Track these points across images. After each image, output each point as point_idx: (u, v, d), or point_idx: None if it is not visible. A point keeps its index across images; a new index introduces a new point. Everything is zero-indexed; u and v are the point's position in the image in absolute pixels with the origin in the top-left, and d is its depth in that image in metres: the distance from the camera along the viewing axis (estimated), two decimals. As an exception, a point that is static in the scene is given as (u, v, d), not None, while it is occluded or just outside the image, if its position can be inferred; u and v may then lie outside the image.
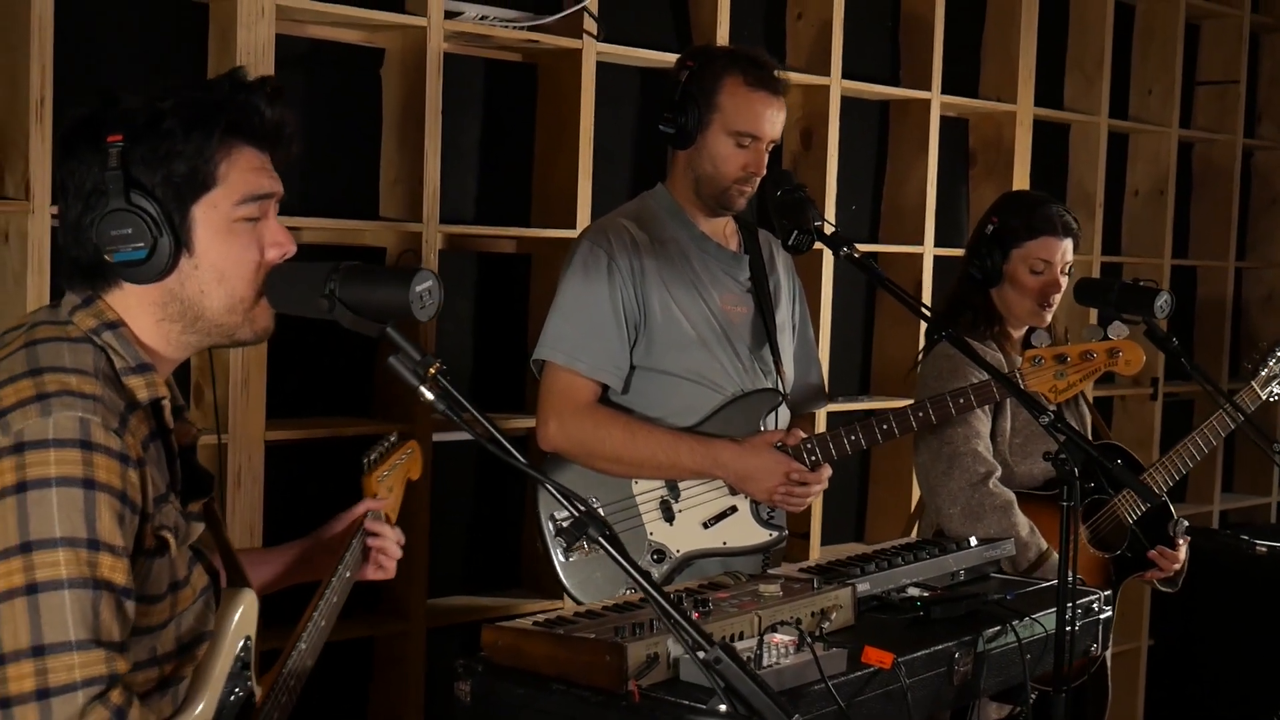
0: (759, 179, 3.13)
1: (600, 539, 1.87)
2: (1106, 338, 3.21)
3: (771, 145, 3.14)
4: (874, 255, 4.87)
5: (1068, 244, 3.60)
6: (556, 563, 3.02)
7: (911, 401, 3.25)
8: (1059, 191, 5.39)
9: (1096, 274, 5.34)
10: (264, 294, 1.98)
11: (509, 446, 1.94)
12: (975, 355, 2.87)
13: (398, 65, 3.71)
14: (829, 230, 2.99)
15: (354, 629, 3.67)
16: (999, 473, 3.41)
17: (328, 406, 3.65)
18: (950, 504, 3.38)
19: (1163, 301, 3.36)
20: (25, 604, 1.74)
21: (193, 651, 2.01)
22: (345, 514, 2.44)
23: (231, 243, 1.94)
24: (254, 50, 3.32)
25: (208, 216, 1.92)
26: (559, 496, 1.92)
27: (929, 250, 4.81)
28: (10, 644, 1.73)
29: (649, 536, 3.09)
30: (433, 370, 1.90)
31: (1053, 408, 2.80)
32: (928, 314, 2.91)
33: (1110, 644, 3.54)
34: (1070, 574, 2.67)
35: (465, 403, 1.92)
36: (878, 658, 2.38)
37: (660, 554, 3.09)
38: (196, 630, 2.02)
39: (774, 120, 3.12)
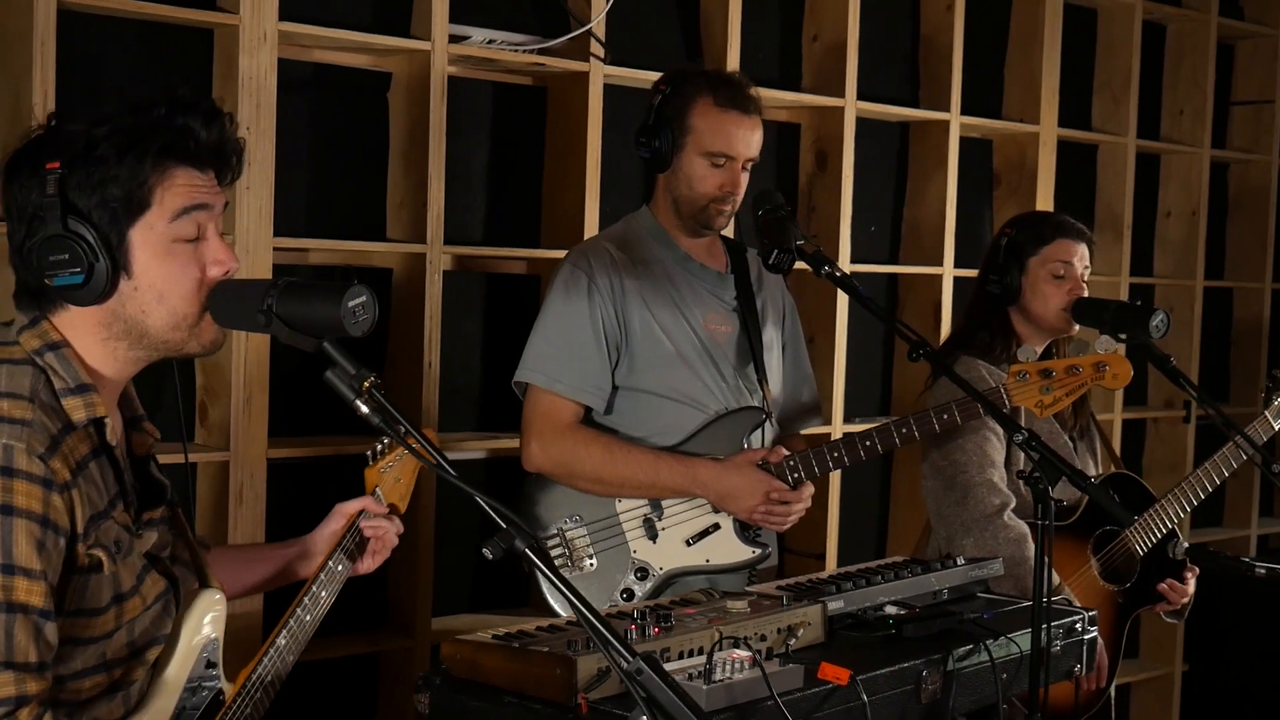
0: (737, 198, 3.15)
1: (527, 550, 1.89)
2: (1093, 352, 3.19)
3: (750, 163, 3.16)
4: (894, 276, 4.88)
5: (1084, 248, 3.59)
6: (541, 581, 3.05)
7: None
8: (1087, 212, 5.36)
9: (1125, 295, 5.30)
10: (208, 310, 2.02)
11: (442, 461, 1.97)
12: (950, 372, 2.87)
13: (404, 89, 3.77)
14: (810, 249, 2.99)
15: (359, 645, 3.72)
16: (1013, 504, 3.39)
17: (330, 425, 3.70)
18: (963, 535, 3.36)
19: (1158, 320, 3.35)
20: None
21: (144, 655, 2.06)
22: (341, 508, 2.50)
23: (169, 263, 1.98)
24: (256, 75, 3.38)
25: (145, 238, 1.97)
26: (491, 511, 1.94)
27: (949, 271, 4.80)
28: None
29: (633, 554, 3.11)
30: (367, 384, 1.94)
31: (1028, 427, 2.79)
32: (909, 334, 2.90)
33: (1114, 678, 3.52)
34: (1047, 592, 2.66)
35: (400, 417, 1.95)
36: (834, 674, 2.38)
37: (644, 572, 3.10)
38: (151, 634, 2.08)
39: (747, 140, 3.13)
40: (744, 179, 3.15)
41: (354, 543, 2.45)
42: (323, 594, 2.35)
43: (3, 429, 1.86)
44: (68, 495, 1.90)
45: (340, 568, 2.40)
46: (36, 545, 1.85)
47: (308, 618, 2.32)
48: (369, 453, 2.57)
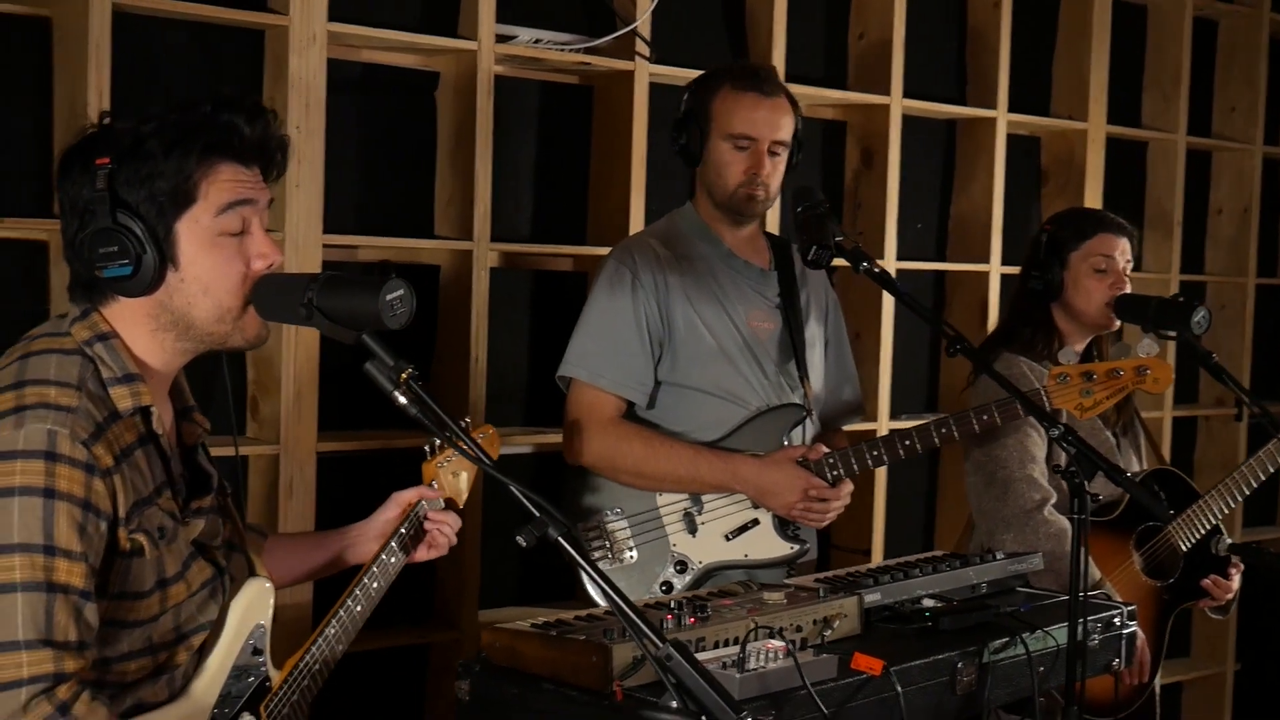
0: (768, 184, 3.17)
1: (560, 539, 1.93)
2: (1135, 355, 3.20)
3: (779, 148, 3.18)
4: (940, 274, 4.89)
5: (1125, 242, 3.59)
6: (581, 572, 3.09)
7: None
8: (1136, 210, 5.34)
9: (1175, 291, 5.28)
10: (252, 303, 2.08)
11: (480, 454, 2.01)
12: (989, 369, 2.89)
13: (451, 88, 3.82)
14: (849, 245, 3.01)
15: (407, 637, 3.78)
16: (1054, 499, 3.40)
17: (379, 419, 3.75)
18: (1004, 530, 3.38)
19: (1200, 317, 3.35)
20: None
21: (189, 640, 2.12)
22: (397, 497, 2.55)
23: (215, 256, 2.04)
24: (306, 75, 3.44)
25: (191, 231, 2.03)
26: (525, 500, 1.98)
27: (995, 269, 4.80)
28: None
29: (672, 548, 3.15)
30: (404, 376, 1.98)
31: (1065, 423, 2.81)
32: (947, 330, 2.92)
33: (1157, 674, 3.52)
34: (1084, 586, 2.68)
35: (437, 408, 1.99)
36: (867, 664, 2.41)
37: (683, 565, 3.14)
38: (196, 620, 2.13)
39: (768, 120, 3.16)
40: (773, 163, 3.17)
41: (409, 534, 2.49)
42: (374, 585, 2.40)
43: (49, 415, 1.92)
44: (109, 480, 1.95)
45: (393, 560, 2.45)
46: (77, 528, 1.91)
47: (358, 608, 2.37)
48: (427, 447, 2.61)
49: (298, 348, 3.47)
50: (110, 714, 1.94)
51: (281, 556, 2.46)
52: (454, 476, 2.60)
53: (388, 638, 3.71)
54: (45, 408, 1.93)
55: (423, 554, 2.55)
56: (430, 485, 2.56)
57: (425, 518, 2.54)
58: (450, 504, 2.59)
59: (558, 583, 4.10)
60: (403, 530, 2.47)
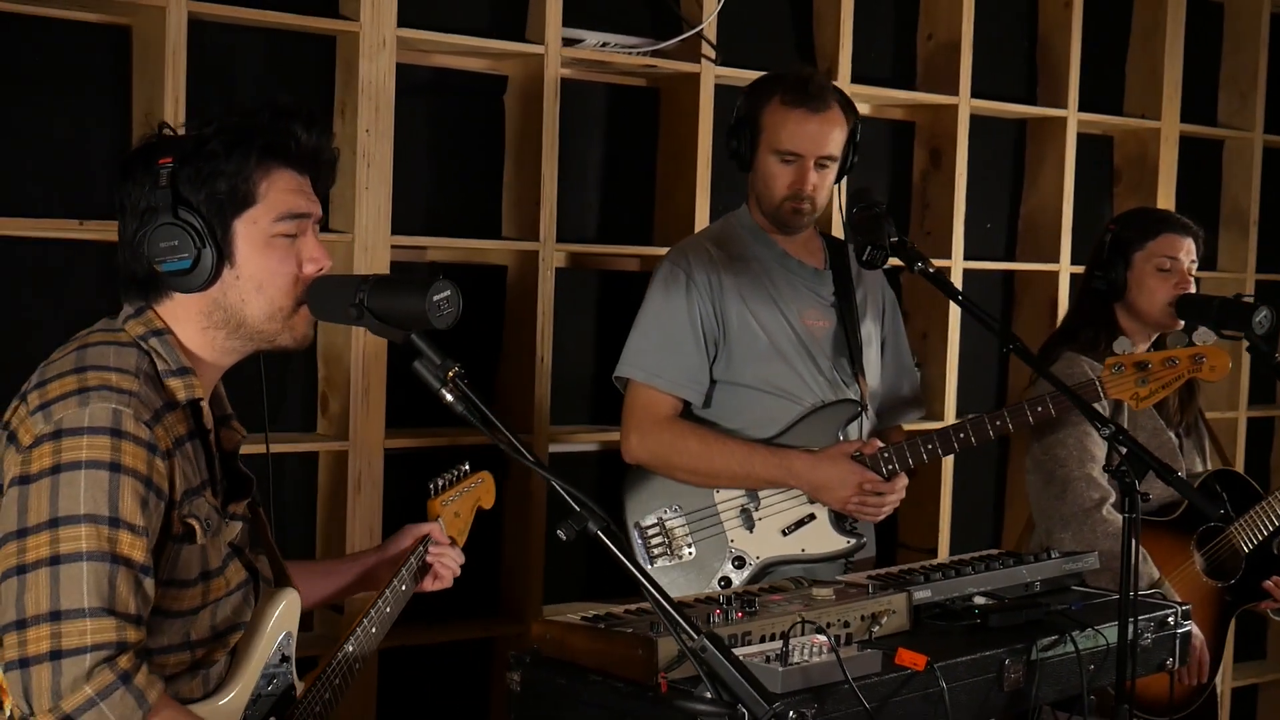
0: (814, 198, 3.20)
1: (600, 533, 1.98)
2: (1191, 344, 3.20)
3: (828, 161, 3.21)
4: (1010, 273, 4.89)
5: (1190, 242, 3.59)
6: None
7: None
8: (1211, 209, 5.31)
9: (1251, 291, 5.24)
10: (304, 303, 2.15)
11: (523, 450, 2.07)
12: (1040, 367, 2.91)
13: (519, 91, 3.89)
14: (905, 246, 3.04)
15: (473, 630, 3.85)
16: (1113, 498, 3.40)
17: (444, 416, 3.80)
18: (1062, 529, 3.39)
19: (1261, 317, 3.35)
20: (49, 574, 1.94)
21: (225, 639, 2.19)
22: (410, 529, 2.64)
23: (270, 255, 2.12)
24: (376, 80, 3.53)
25: (248, 231, 2.11)
26: (565, 495, 2.04)
27: (1065, 268, 4.79)
28: (34, 609, 1.94)
29: (730, 544, 3.19)
30: (451, 374, 2.05)
31: (1115, 421, 2.82)
32: (1000, 329, 2.94)
33: (1218, 674, 3.51)
34: (1134, 585, 2.69)
35: (482, 406, 2.06)
36: (910, 660, 2.44)
37: (741, 561, 3.18)
38: (232, 621, 2.20)
39: (816, 137, 3.18)
40: (819, 177, 3.19)
41: (417, 564, 2.59)
42: (388, 609, 2.51)
43: (111, 396, 2.00)
44: (169, 462, 2.03)
45: (405, 587, 2.56)
46: (140, 502, 1.98)
47: (374, 629, 2.47)
48: (431, 485, 2.70)
49: (366, 346, 3.55)
50: (164, 690, 2.00)
51: (300, 581, 2.52)
52: (456, 516, 2.70)
53: (454, 631, 3.79)
54: (108, 389, 2.01)
55: (429, 584, 2.64)
56: (437, 521, 2.65)
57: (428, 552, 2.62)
58: (453, 542, 2.67)
59: (622, 578, 4.14)
60: (412, 561, 2.57)
